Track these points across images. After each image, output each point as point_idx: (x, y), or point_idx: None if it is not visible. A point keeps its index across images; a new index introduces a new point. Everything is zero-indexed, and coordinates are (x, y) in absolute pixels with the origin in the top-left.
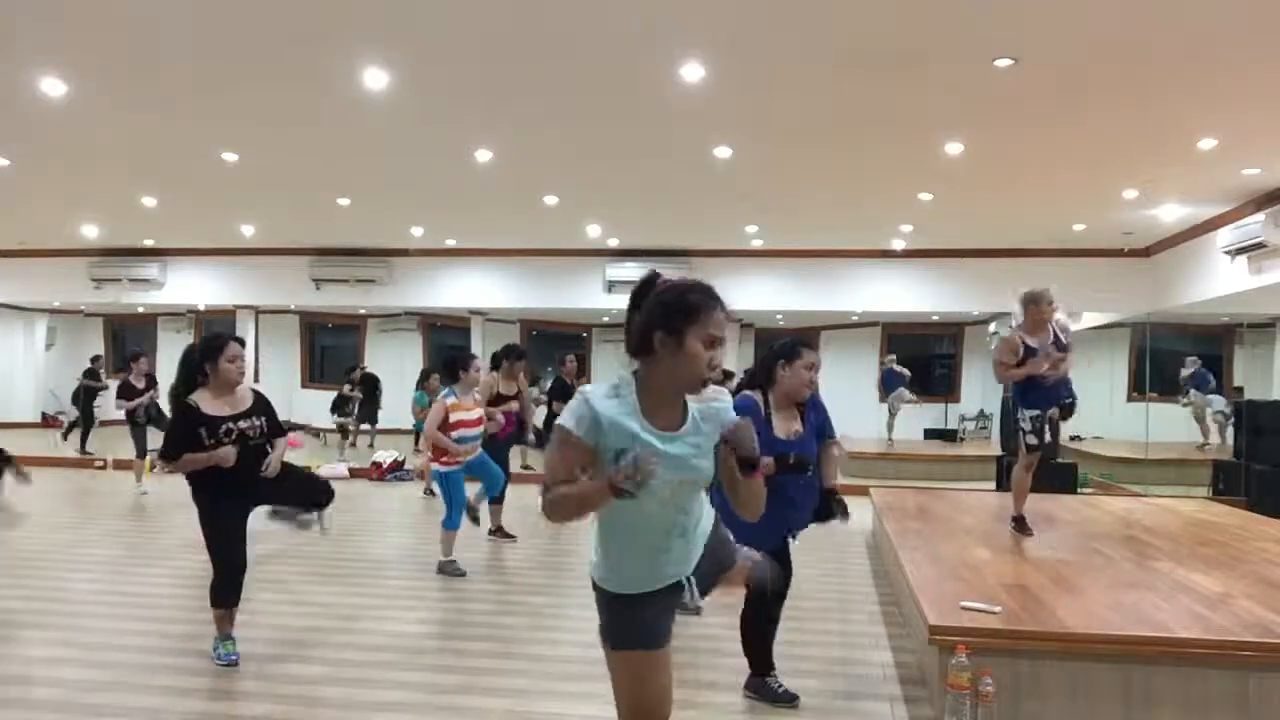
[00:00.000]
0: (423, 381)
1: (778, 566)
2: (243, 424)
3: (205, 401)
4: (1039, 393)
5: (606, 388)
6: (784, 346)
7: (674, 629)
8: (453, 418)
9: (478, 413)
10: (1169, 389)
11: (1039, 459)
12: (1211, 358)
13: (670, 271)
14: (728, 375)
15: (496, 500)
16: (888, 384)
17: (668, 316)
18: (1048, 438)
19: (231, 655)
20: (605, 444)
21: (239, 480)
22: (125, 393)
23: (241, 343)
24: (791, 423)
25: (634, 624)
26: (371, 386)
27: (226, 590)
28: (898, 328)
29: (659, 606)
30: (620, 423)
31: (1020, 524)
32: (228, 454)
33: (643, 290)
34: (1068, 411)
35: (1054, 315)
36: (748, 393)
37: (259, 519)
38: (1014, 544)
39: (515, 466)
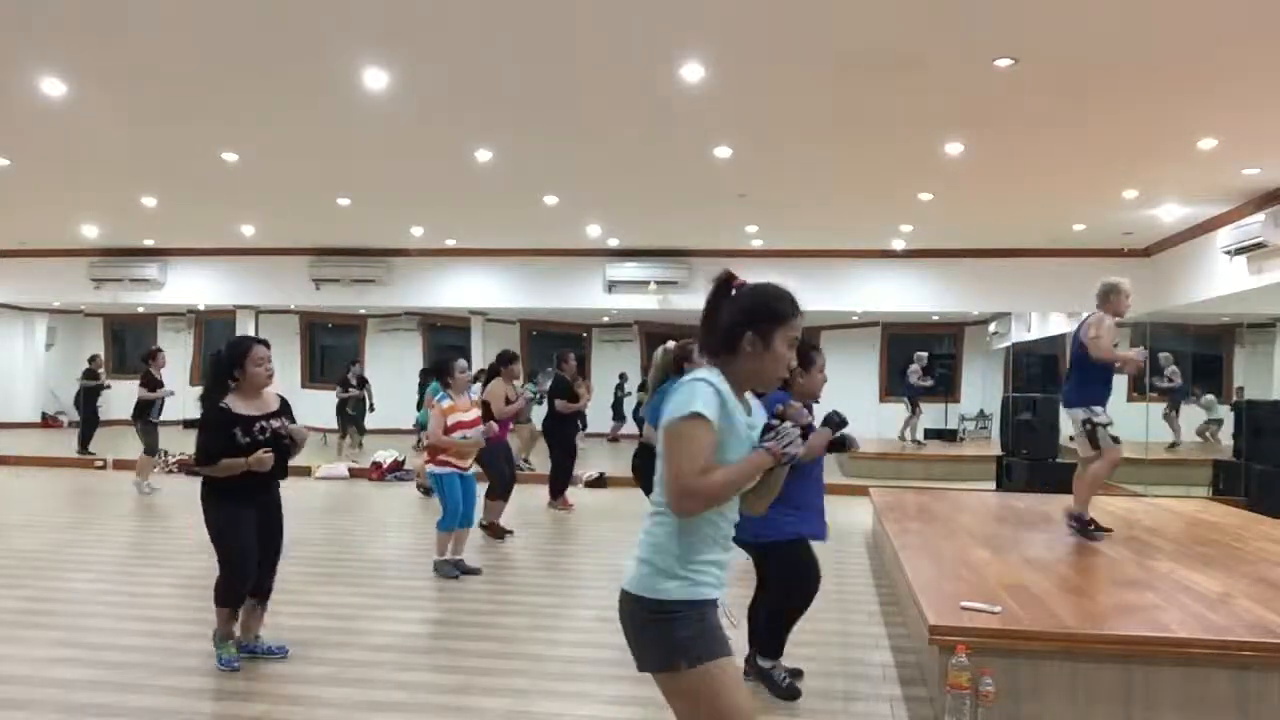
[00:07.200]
0: (431, 379)
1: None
2: (274, 423)
3: (236, 404)
4: (1105, 389)
5: (715, 374)
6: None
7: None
8: (450, 420)
9: (474, 413)
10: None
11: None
12: (1211, 358)
13: (670, 273)
14: None
15: (501, 497)
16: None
17: (757, 320)
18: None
19: (233, 661)
20: (725, 426)
21: (258, 482)
22: (148, 383)
23: (266, 345)
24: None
25: (715, 630)
26: (362, 385)
27: (232, 591)
28: (898, 328)
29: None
30: (734, 405)
31: (1095, 526)
32: (265, 460)
33: (721, 290)
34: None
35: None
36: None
37: None
38: (1014, 544)
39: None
